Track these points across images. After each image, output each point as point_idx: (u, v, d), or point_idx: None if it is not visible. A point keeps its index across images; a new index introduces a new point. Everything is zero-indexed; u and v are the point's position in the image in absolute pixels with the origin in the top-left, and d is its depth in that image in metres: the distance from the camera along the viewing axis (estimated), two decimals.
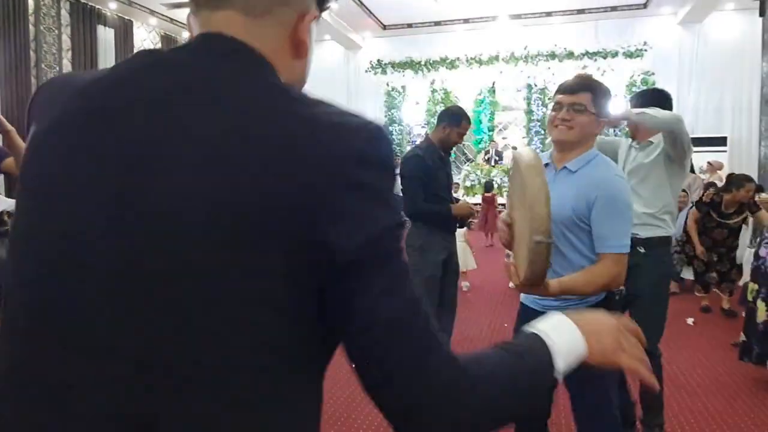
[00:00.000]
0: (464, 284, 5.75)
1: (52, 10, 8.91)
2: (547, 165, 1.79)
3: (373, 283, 0.55)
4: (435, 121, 3.39)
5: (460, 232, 5.20)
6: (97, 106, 0.59)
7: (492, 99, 13.25)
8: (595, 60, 11.79)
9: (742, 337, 3.46)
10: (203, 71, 0.58)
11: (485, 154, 12.92)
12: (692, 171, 6.78)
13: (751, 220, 4.78)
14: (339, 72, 13.72)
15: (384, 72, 13.11)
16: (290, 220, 0.53)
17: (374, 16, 12.24)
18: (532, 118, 12.77)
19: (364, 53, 13.61)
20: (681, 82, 11.66)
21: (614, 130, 9.39)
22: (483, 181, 10.64)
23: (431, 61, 12.79)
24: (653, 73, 11.54)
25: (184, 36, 11.04)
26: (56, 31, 9.01)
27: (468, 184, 12.16)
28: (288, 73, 0.64)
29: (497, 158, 12.63)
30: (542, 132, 12.53)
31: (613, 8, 11.63)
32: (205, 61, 0.59)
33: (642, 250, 2.41)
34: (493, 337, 4.28)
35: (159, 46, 11.34)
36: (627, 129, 2.75)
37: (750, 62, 10.38)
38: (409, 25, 12.95)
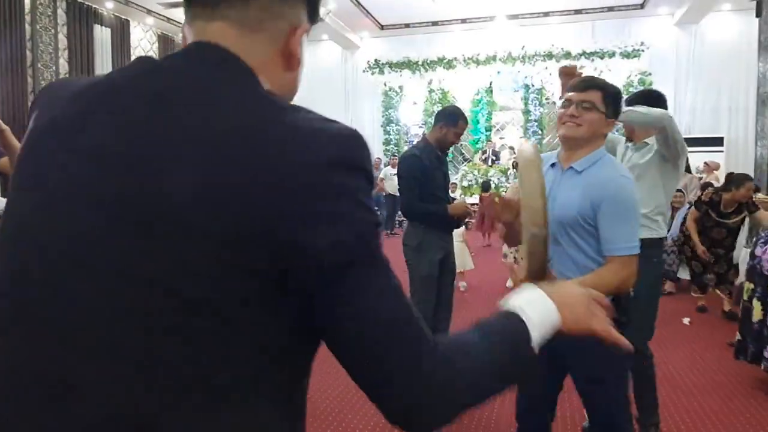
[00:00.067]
0: (461, 284, 5.75)
1: (48, 10, 8.89)
2: (553, 165, 1.78)
3: (358, 284, 0.56)
4: (432, 121, 3.39)
5: (459, 232, 5.20)
6: (94, 109, 0.60)
7: (489, 99, 13.27)
8: (593, 60, 11.81)
9: (738, 337, 3.47)
10: (194, 77, 0.60)
11: (482, 154, 12.93)
12: (689, 171, 6.80)
13: (747, 219, 4.77)
14: (336, 72, 13.72)
15: (381, 72, 13.11)
16: (275, 223, 0.54)
17: (372, 16, 12.24)
18: (530, 118, 12.78)
19: (361, 53, 13.61)
20: (678, 83, 11.70)
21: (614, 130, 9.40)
22: (480, 181, 10.65)
23: (429, 61, 12.80)
24: (650, 74, 11.57)
25: (181, 36, 11.03)
26: (53, 31, 8.99)
27: (465, 184, 12.17)
28: (278, 85, 0.65)
29: (494, 158, 12.64)
30: (540, 132, 12.55)
31: (610, 8, 11.66)
32: (197, 67, 0.61)
33: None
34: None
35: (156, 45, 11.33)
36: (623, 129, 2.75)
37: (746, 63, 10.40)
38: (407, 25, 12.95)
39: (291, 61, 0.67)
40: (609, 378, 1.72)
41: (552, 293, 0.75)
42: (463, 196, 11.20)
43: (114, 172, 0.56)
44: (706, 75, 11.65)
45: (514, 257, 5.58)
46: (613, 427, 1.76)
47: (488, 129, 13.35)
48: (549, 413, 1.94)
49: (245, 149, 0.55)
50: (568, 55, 11.95)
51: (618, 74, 11.37)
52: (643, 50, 11.63)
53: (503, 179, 11.70)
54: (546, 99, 12.59)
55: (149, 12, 10.62)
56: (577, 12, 11.94)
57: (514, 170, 10.36)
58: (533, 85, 12.61)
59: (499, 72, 12.64)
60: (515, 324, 0.69)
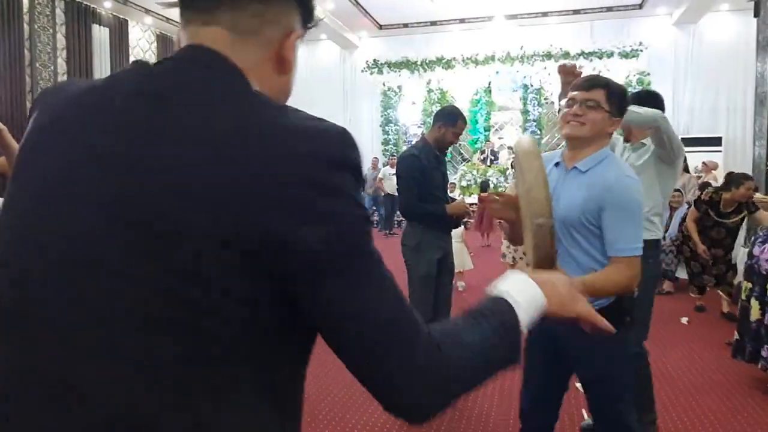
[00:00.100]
0: (460, 284, 5.76)
1: (46, 9, 8.87)
2: (557, 164, 1.76)
3: (351, 278, 0.57)
4: (431, 121, 3.39)
5: (458, 232, 5.20)
6: (94, 110, 0.61)
7: (488, 99, 13.27)
8: (591, 60, 11.81)
9: (736, 336, 3.48)
10: (186, 79, 0.61)
11: (481, 154, 12.94)
12: (687, 171, 6.81)
13: (746, 220, 4.75)
14: (335, 72, 13.71)
15: (380, 72, 13.10)
16: (266, 221, 0.54)
17: (370, 15, 12.23)
18: (528, 118, 12.79)
19: (360, 53, 13.60)
20: (676, 83, 11.71)
21: None
22: (479, 181, 10.65)
23: (427, 61, 12.79)
24: (648, 74, 11.58)
25: (176, 39, 10.99)
26: (51, 30, 8.97)
27: (464, 183, 12.17)
28: (271, 88, 0.66)
29: (493, 158, 12.65)
30: (538, 132, 12.55)
31: (609, 8, 11.66)
32: (188, 69, 0.62)
33: None
34: None
35: (155, 45, 11.31)
36: (621, 130, 2.76)
37: (744, 63, 10.41)
38: (405, 25, 12.94)
39: (284, 65, 0.68)
40: (616, 376, 1.72)
41: (536, 278, 0.77)
42: (462, 195, 11.21)
43: (114, 172, 0.57)
44: (704, 75, 11.66)
45: (513, 257, 5.58)
46: (618, 425, 1.75)
47: (487, 129, 13.35)
48: (553, 413, 1.92)
49: (236, 149, 0.56)
50: (566, 55, 11.95)
51: (616, 74, 11.35)
52: (641, 50, 11.64)
53: (502, 179, 11.70)
54: (545, 99, 12.59)
55: (147, 12, 10.60)
56: (576, 12, 11.94)
57: (513, 170, 10.35)
58: (532, 85, 12.61)
59: (497, 72, 12.63)
60: (504, 308, 0.70)
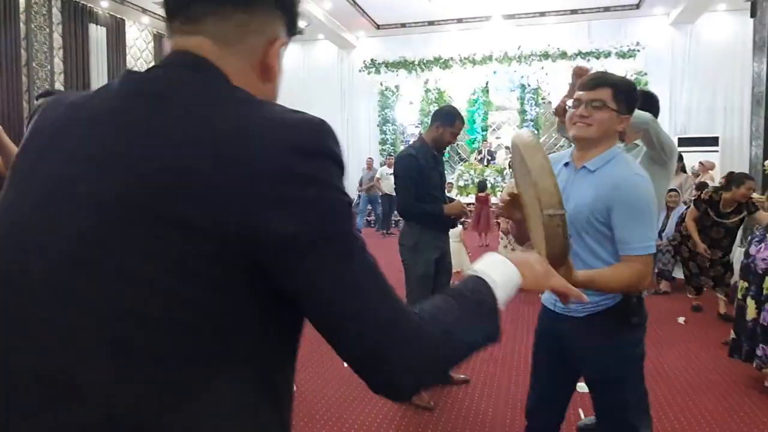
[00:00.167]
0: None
1: (43, 9, 8.85)
2: (567, 164, 1.74)
3: (332, 262, 0.59)
4: (428, 121, 3.40)
5: (456, 232, 5.20)
6: (91, 113, 0.64)
7: (485, 99, 13.27)
8: (588, 60, 11.81)
9: (732, 335, 3.49)
10: (178, 81, 0.63)
11: (478, 153, 12.94)
12: (684, 171, 6.82)
13: (745, 220, 4.72)
14: (332, 71, 13.70)
15: (378, 71, 13.10)
16: (251, 212, 0.56)
17: (368, 15, 12.23)
18: (526, 118, 12.79)
19: (357, 53, 13.59)
20: (673, 83, 11.73)
21: None
22: (476, 180, 10.66)
23: (425, 61, 12.79)
24: (646, 74, 11.59)
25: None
26: (47, 30, 8.94)
27: (461, 183, 12.18)
28: (257, 94, 0.67)
29: (489, 158, 12.65)
30: (536, 132, 12.56)
31: (606, 8, 11.68)
32: (180, 72, 0.64)
33: None
34: None
35: (151, 45, 11.28)
36: None
37: (741, 63, 10.44)
38: (403, 25, 12.94)
39: (268, 72, 0.70)
40: (622, 378, 1.70)
41: (512, 258, 0.80)
42: (458, 195, 11.21)
43: (113, 172, 0.58)
44: (701, 75, 11.69)
45: None
46: (623, 427, 1.73)
47: (484, 129, 13.35)
48: (558, 413, 1.91)
49: (220, 145, 0.57)
50: (564, 55, 11.97)
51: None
52: (638, 50, 11.66)
53: (499, 179, 11.71)
54: (542, 99, 12.61)
55: (144, 11, 10.58)
56: (573, 12, 11.96)
57: (511, 170, 10.35)
58: (529, 85, 12.61)
59: (495, 72, 12.64)
60: (482, 287, 0.73)
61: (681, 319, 4.74)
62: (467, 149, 13.31)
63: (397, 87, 13.32)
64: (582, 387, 2.08)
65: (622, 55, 11.69)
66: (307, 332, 0.67)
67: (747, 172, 6.12)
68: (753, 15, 8.00)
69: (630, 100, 1.69)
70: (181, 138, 0.58)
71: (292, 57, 13.81)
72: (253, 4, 0.67)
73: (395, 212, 9.97)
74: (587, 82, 1.68)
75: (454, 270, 3.63)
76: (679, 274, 5.48)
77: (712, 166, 9.23)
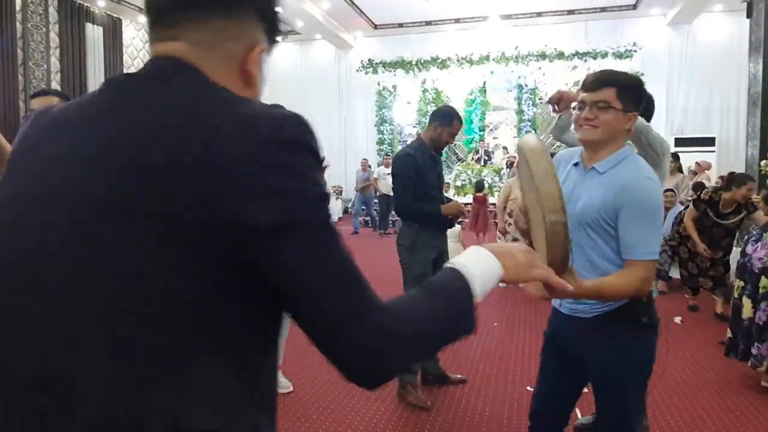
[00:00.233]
0: None
1: (39, 8, 8.83)
2: (576, 164, 1.73)
3: (304, 250, 0.60)
4: (426, 121, 3.40)
5: (454, 232, 5.21)
6: (77, 117, 0.66)
7: (483, 99, 13.29)
8: (585, 60, 11.85)
9: (729, 334, 3.50)
10: (152, 84, 0.65)
11: (475, 153, 12.96)
12: (680, 171, 6.84)
13: (743, 221, 4.71)
14: (330, 71, 13.71)
15: (375, 71, 13.10)
16: (224, 201, 0.57)
17: (365, 15, 12.23)
18: (523, 118, 12.82)
19: (355, 52, 13.60)
20: (670, 83, 11.77)
21: None
22: (474, 180, 10.67)
23: (422, 61, 12.80)
24: (642, 74, 11.59)
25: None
26: (44, 29, 8.92)
27: (459, 183, 12.19)
28: None
29: (486, 158, 12.67)
30: (533, 132, 12.58)
31: (603, 9, 11.71)
32: (155, 76, 0.66)
33: None
34: (483, 337, 4.30)
35: (148, 44, 11.27)
36: None
37: (738, 63, 10.48)
38: (401, 25, 12.95)
39: (249, 78, 0.71)
40: (625, 381, 1.68)
41: (494, 249, 0.81)
42: (456, 195, 11.22)
43: (99, 172, 0.60)
44: (698, 75, 11.73)
45: None
46: (621, 426, 1.72)
47: (482, 129, 13.38)
48: (563, 416, 1.89)
49: (200, 140, 0.59)
50: (561, 55, 12.00)
51: None
52: (635, 51, 11.69)
53: (497, 179, 11.72)
54: (539, 99, 12.63)
55: (141, 10, 10.53)
56: (570, 12, 11.99)
57: (508, 169, 10.37)
58: (526, 85, 12.64)
59: (492, 72, 12.66)
60: (457, 280, 0.74)
61: (677, 319, 4.75)
62: (465, 149, 13.32)
63: (394, 87, 13.33)
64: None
65: (618, 56, 11.72)
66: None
67: (743, 172, 6.14)
68: (749, 16, 8.04)
69: (636, 95, 1.65)
70: (163, 136, 0.59)
71: (290, 57, 13.81)
72: (232, 11, 0.68)
73: (392, 212, 9.97)
74: (590, 83, 1.65)
75: None
76: (675, 273, 5.49)
77: (708, 167, 9.26)
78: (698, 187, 6.11)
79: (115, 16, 10.33)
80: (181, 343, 0.59)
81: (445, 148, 3.53)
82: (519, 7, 11.65)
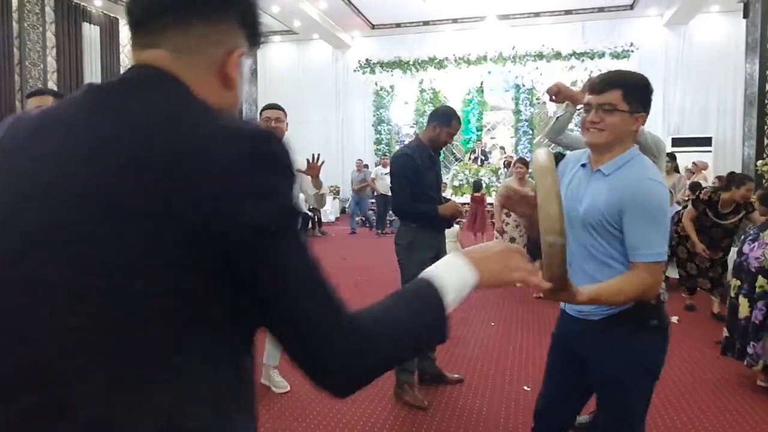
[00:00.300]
0: None
1: (36, 7, 8.80)
2: (584, 165, 1.72)
3: (273, 263, 0.61)
4: (423, 121, 3.40)
5: (453, 232, 5.20)
6: (48, 124, 0.66)
7: (480, 99, 13.31)
8: (582, 60, 11.88)
9: (725, 333, 3.51)
10: (130, 96, 0.65)
11: (472, 153, 12.97)
12: (677, 171, 6.86)
13: (743, 221, 4.70)
14: (327, 71, 13.70)
15: (372, 71, 13.10)
16: (198, 213, 0.58)
17: (363, 15, 12.23)
18: (520, 117, 12.84)
19: (352, 52, 13.60)
20: (667, 83, 11.80)
21: None
22: (471, 180, 10.68)
23: (420, 61, 12.82)
24: None
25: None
26: (40, 28, 8.90)
27: (456, 183, 12.20)
28: (217, 103, 0.70)
29: (483, 158, 12.68)
30: (530, 132, 12.61)
31: (600, 9, 11.74)
32: (133, 87, 0.67)
33: None
34: (481, 336, 4.30)
35: (131, 50, 11.25)
36: None
37: (734, 64, 10.51)
38: (398, 25, 12.96)
39: (228, 82, 0.72)
40: (631, 382, 1.67)
41: (470, 253, 0.83)
42: (454, 195, 11.23)
43: (102, 169, 0.60)
44: (694, 76, 11.77)
45: None
46: (622, 427, 1.71)
47: (479, 129, 13.39)
48: (566, 417, 1.88)
49: (175, 154, 0.60)
50: (558, 55, 12.02)
51: None
52: (632, 51, 11.72)
53: (494, 179, 11.74)
54: (536, 99, 12.65)
55: None
56: (567, 12, 12.01)
57: (506, 169, 10.38)
58: (524, 85, 12.66)
59: (489, 72, 12.68)
60: (428, 289, 0.76)
61: (674, 319, 4.76)
62: (462, 149, 13.33)
63: (392, 87, 13.33)
64: None
65: (616, 56, 11.75)
66: None
67: (739, 172, 6.16)
68: (746, 16, 8.07)
69: (643, 96, 1.63)
70: (138, 150, 0.60)
71: (287, 56, 13.80)
72: (213, 17, 0.69)
73: (390, 212, 9.97)
74: (595, 85, 1.64)
75: None
76: (672, 273, 5.50)
77: (705, 167, 9.29)
78: (695, 187, 6.13)
79: (111, 15, 10.31)
80: (177, 343, 0.60)
81: (444, 148, 3.53)
82: (516, 7, 11.66)
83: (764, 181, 6.63)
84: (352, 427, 2.82)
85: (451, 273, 0.78)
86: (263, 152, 0.62)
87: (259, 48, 0.78)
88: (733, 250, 4.59)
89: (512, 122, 13.11)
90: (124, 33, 10.75)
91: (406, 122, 13.56)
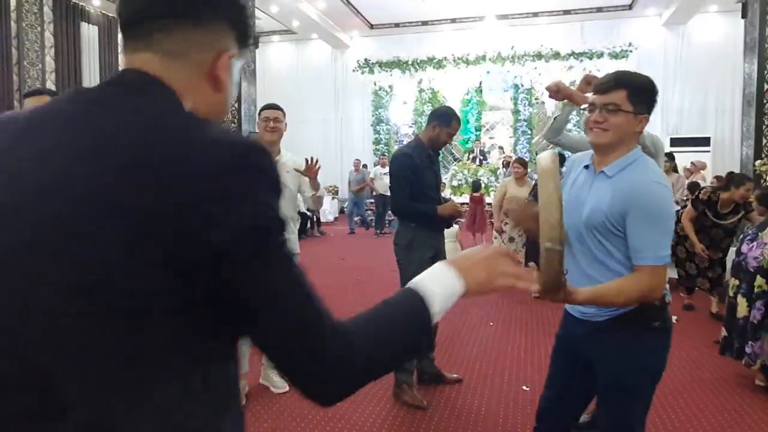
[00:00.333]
0: None
1: (34, 7, 8.79)
2: (587, 167, 1.71)
3: (257, 273, 0.61)
4: (422, 121, 3.41)
5: (452, 232, 5.20)
6: (39, 132, 0.65)
7: (479, 99, 13.32)
8: (581, 60, 11.89)
9: (724, 333, 3.51)
10: (115, 104, 0.65)
11: (471, 153, 12.98)
12: (676, 171, 6.87)
13: (742, 222, 4.68)
14: (326, 71, 13.70)
15: (371, 71, 13.10)
16: (181, 224, 0.58)
17: (361, 15, 12.23)
18: (519, 117, 12.85)
19: (351, 52, 13.60)
20: (666, 83, 11.80)
21: None
22: (470, 180, 10.68)
23: (418, 61, 12.82)
24: None
25: None
26: (39, 28, 8.88)
27: (455, 183, 12.20)
28: (207, 104, 0.70)
29: (482, 158, 12.69)
30: (529, 132, 12.62)
31: (599, 9, 11.75)
32: (122, 92, 0.66)
33: None
34: (480, 336, 4.30)
35: (122, 52, 11.24)
36: None
37: (733, 64, 10.53)
38: (397, 25, 12.96)
39: (218, 84, 0.72)
40: (632, 383, 1.66)
41: (456, 261, 0.83)
42: (452, 195, 11.22)
43: (101, 169, 0.60)
44: (693, 76, 11.79)
45: None
46: (622, 428, 1.70)
47: (478, 129, 13.40)
48: (568, 418, 1.88)
49: (158, 165, 0.59)
50: (557, 55, 12.03)
51: None
52: (631, 51, 11.74)
53: (492, 179, 11.74)
54: (535, 99, 12.66)
55: None
56: (566, 12, 12.02)
57: (504, 169, 10.38)
58: (522, 85, 12.67)
59: (488, 72, 12.68)
60: (414, 299, 0.76)
61: (673, 318, 4.76)
62: (461, 149, 13.34)
63: (390, 87, 13.33)
64: None
65: (614, 56, 11.77)
66: None
67: (738, 171, 6.16)
68: (744, 16, 8.08)
69: (648, 97, 1.63)
70: (121, 160, 0.59)
71: (286, 56, 13.80)
72: (202, 19, 0.69)
73: (389, 212, 9.97)
74: (601, 84, 1.63)
75: None
76: (671, 273, 5.51)
77: (703, 166, 9.30)
78: (693, 187, 6.13)
79: (110, 15, 10.29)
80: (177, 343, 0.60)
81: (443, 148, 3.53)
82: (515, 7, 11.67)
83: (763, 181, 6.64)
84: (351, 426, 2.82)
85: (438, 283, 0.79)
86: (251, 160, 0.62)
87: (249, 50, 0.77)
88: (732, 250, 4.60)
89: (511, 122, 13.11)
90: None
91: (404, 122, 13.57)
